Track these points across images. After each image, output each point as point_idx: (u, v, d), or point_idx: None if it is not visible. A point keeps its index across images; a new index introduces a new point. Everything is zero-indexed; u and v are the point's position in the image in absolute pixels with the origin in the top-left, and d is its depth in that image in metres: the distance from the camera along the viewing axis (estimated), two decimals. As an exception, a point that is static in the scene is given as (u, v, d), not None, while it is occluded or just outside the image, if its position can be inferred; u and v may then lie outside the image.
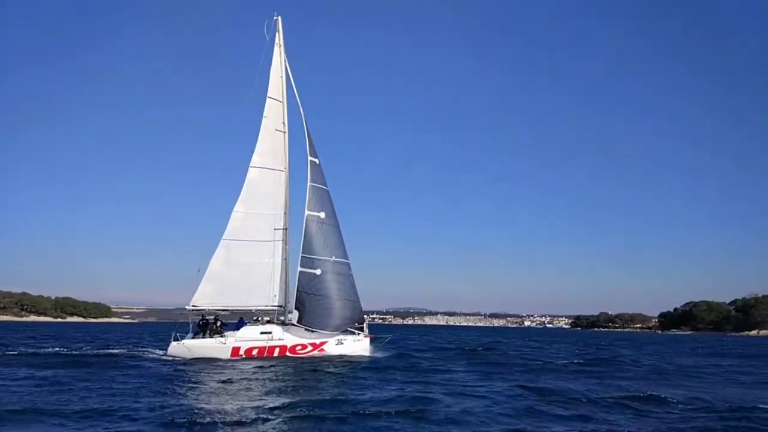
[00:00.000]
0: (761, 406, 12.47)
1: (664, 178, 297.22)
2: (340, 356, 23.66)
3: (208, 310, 24.04)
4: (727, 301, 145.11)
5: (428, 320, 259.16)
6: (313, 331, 24.01)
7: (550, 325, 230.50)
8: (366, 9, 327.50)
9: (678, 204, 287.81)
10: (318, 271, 24.09)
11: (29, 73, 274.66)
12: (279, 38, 26.05)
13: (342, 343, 24.38)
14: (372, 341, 25.29)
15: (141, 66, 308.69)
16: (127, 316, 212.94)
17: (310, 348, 23.91)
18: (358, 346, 24.61)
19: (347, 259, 25.12)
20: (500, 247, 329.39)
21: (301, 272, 23.97)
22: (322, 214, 24.71)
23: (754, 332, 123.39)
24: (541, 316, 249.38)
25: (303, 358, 23.31)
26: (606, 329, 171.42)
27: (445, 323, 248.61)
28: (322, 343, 24.08)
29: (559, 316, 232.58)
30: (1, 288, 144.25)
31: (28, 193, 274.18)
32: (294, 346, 23.75)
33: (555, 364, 23.45)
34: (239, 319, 25.23)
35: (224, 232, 24.18)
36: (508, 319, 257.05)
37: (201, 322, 24.15)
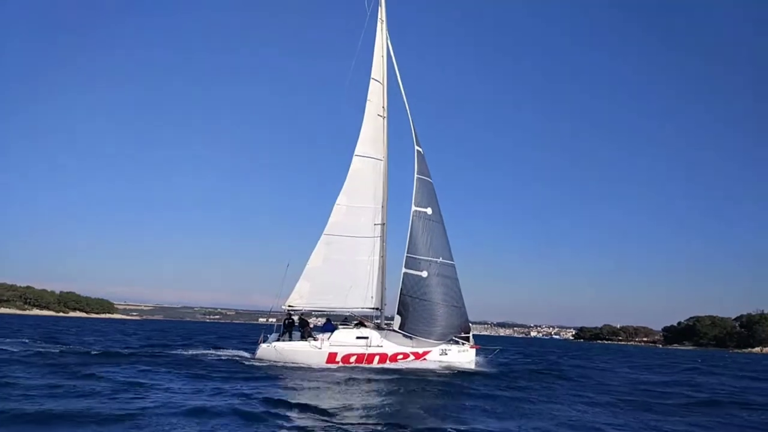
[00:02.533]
0: None
1: (673, 190, 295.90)
2: (444, 367, 21.42)
3: (303, 311, 21.84)
4: (734, 317, 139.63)
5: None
6: (411, 338, 21.77)
7: (557, 336, 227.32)
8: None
9: (688, 217, 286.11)
10: (424, 274, 21.79)
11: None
12: (381, 13, 23.79)
13: (446, 354, 22.07)
14: (478, 352, 23.04)
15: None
16: (134, 313, 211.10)
17: (411, 357, 21.62)
18: (463, 356, 22.28)
19: (453, 260, 22.84)
20: (509, 255, 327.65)
21: (405, 274, 21.68)
22: (429, 210, 22.43)
23: (757, 349, 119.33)
24: (549, 327, 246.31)
25: (406, 368, 21.01)
26: (609, 342, 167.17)
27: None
28: (425, 353, 21.77)
29: (567, 327, 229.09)
30: (6, 281, 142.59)
31: (37, 189, 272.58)
32: (395, 355, 21.42)
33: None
34: (326, 321, 22.98)
35: (325, 226, 21.95)
36: (515, 329, 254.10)
37: (287, 322, 21.92)
